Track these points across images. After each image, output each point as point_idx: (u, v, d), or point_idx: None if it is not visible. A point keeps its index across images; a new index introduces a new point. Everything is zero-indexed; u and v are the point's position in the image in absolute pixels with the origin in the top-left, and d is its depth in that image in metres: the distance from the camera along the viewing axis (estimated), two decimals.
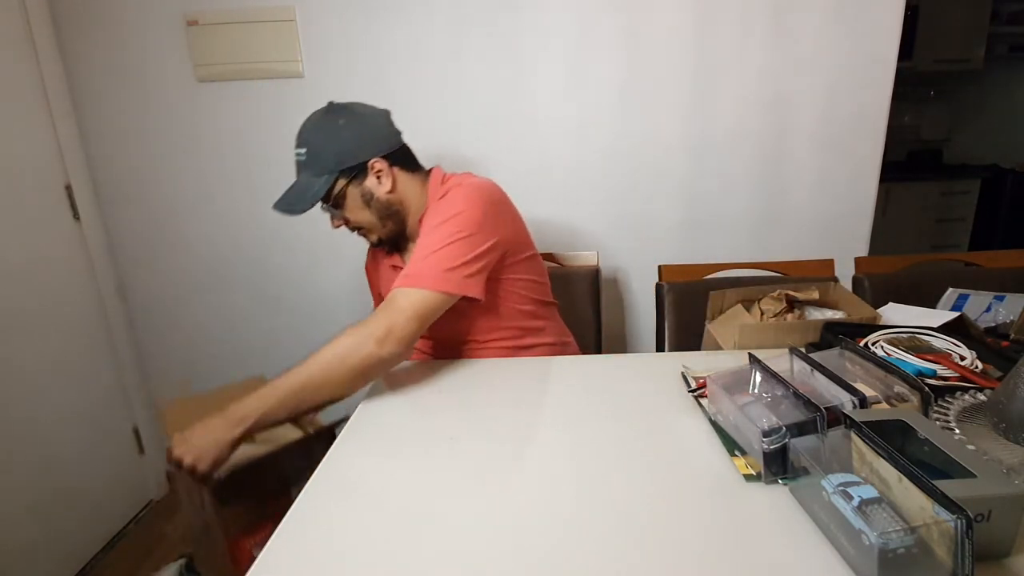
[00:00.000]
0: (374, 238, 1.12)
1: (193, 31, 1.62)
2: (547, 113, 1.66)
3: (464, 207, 0.99)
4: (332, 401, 0.91)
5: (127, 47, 1.65)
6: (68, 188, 1.67)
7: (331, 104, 1.05)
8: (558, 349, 1.19)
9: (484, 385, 0.95)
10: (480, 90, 1.65)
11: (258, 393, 0.87)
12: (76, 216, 1.69)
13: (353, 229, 1.11)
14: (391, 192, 1.05)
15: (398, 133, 1.09)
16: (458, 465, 0.74)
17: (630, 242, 1.75)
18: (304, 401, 0.89)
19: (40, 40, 1.58)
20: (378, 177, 1.04)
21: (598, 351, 1.47)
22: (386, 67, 1.64)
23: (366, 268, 1.28)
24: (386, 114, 1.08)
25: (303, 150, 1.02)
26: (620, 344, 1.88)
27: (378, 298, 1.29)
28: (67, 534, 1.62)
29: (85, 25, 1.63)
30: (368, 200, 1.05)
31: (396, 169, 1.05)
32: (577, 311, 1.44)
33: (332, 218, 1.09)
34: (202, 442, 0.84)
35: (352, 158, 1.02)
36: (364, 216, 1.07)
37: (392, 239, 1.12)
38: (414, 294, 0.93)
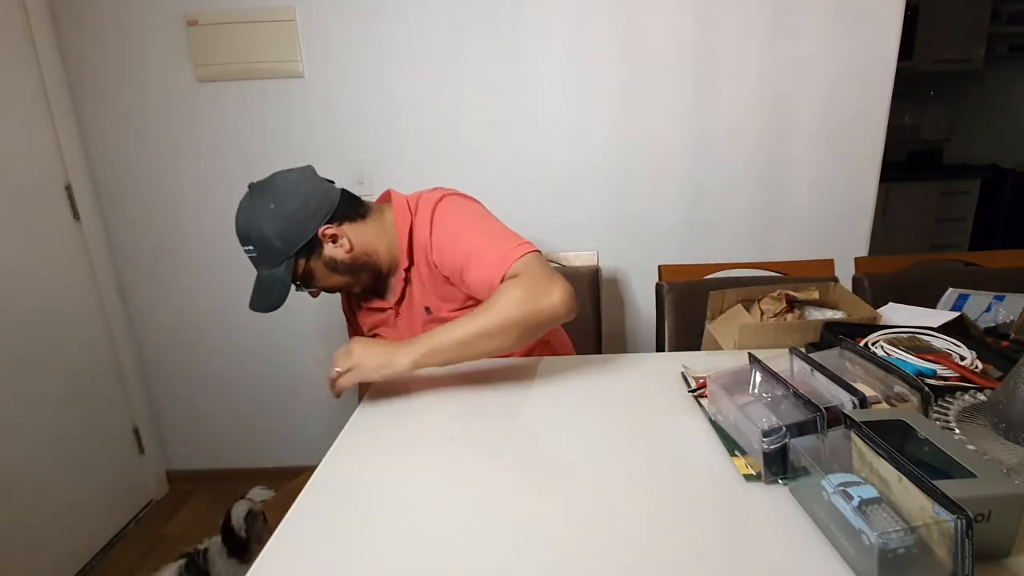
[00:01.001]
0: (356, 290, 1.10)
1: (193, 31, 1.62)
2: (547, 113, 1.66)
3: (465, 209, 0.99)
4: (494, 354, 0.89)
5: (127, 47, 1.65)
6: (68, 188, 1.67)
7: (252, 187, 1.00)
8: (551, 348, 1.19)
9: (482, 385, 0.95)
10: (480, 90, 1.65)
11: (429, 341, 0.86)
12: (76, 216, 1.69)
13: (332, 291, 1.09)
14: (352, 250, 1.01)
15: (331, 185, 1.04)
16: (457, 465, 0.74)
17: (630, 242, 1.75)
18: (469, 353, 0.87)
19: (40, 40, 1.58)
20: (333, 241, 1.00)
21: (598, 351, 1.47)
22: (386, 67, 1.65)
23: (343, 309, 1.24)
24: (310, 172, 1.03)
25: (249, 247, 0.98)
26: (620, 344, 1.88)
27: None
28: (67, 534, 1.62)
29: (85, 25, 1.63)
30: (334, 267, 1.02)
31: (347, 225, 1.01)
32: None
33: (309, 293, 1.06)
34: (367, 357, 0.85)
35: (300, 237, 0.97)
36: (337, 279, 1.04)
37: (372, 286, 1.10)
38: (525, 262, 0.89)
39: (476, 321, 0.86)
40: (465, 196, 1.04)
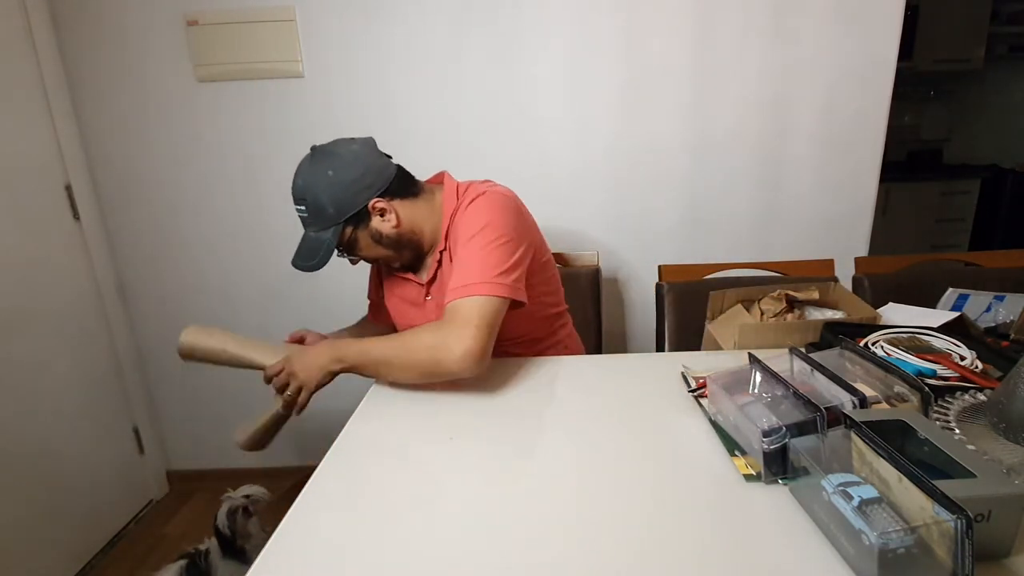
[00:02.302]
0: (396, 265, 1.12)
1: (193, 31, 1.62)
2: (547, 113, 1.66)
3: (493, 215, 0.99)
4: (398, 382, 0.96)
5: (127, 47, 1.65)
6: (68, 188, 1.67)
7: (314, 150, 1.02)
8: (568, 350, 1.20)
9: (482, 384, 0.95)
10: (480, 90, 1.65)
11: (360, 346, 0.96)
12: (76, 216, 1.69)
13: (372, 262, 1.13)
14: (398, 225, 1.04)
15: (388, 161, 1.06)
16: (456, 464, 0.74)
17: (630, 242, 1.75)
18: (381, 373, 0.96)
19: (40, 40, 1.58)
20: (382, 215, 1.02)
21: (598, 351, 1.47)
22: (386, 67, 1.64)
23: (371, 273, 1.27)
24: (371, 144, 1.05)
25: (302, 207, 1.01)
26: (620, 344, 1.88)
27: (373, 304, 1.29)
28: (67, 534, 1.62)
29: (85, 25, 1.63)
30: (379, 239, 1.04)
31: (397, 202, 1.04)
32: (577, 311, 1.44)
33: (349, 260, 1.10)
34: (310, 369, 0.96)
35: (351, 206, 1.00)
36: (379, 252, 1.07)
37: (412, 263, 1.12)
38: (474, 303, 0.91)
39: (387, 349, 0.94)
40: (504, 198, 1.04)
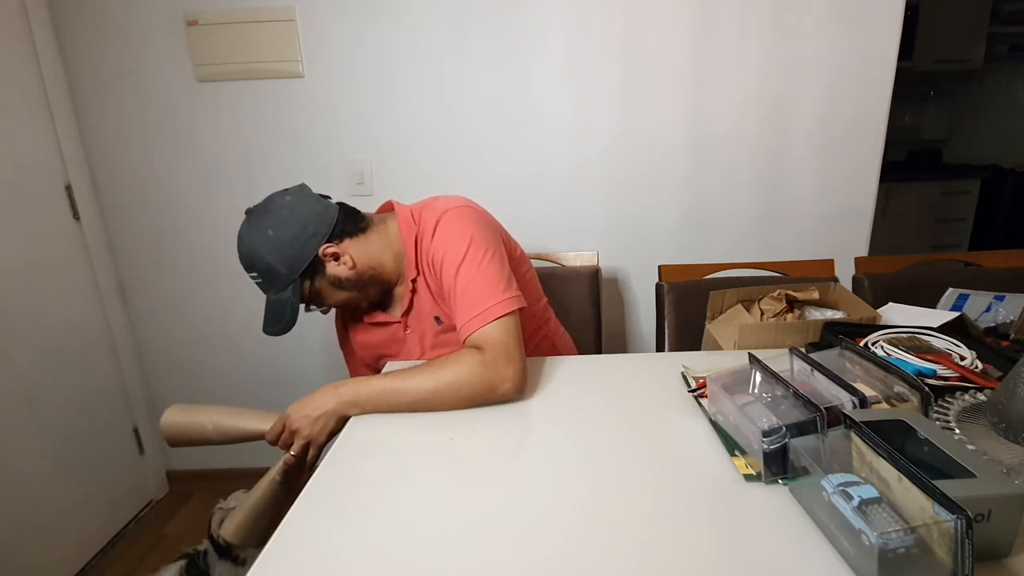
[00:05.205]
0: (365, 304, 1.10)
1: (193, 31, 1.62)
2: (547, 113, 1.66)
3: (468, 232, 0.96)
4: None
5: (127, 47, 1.65)
6: (68, 188, 1.67)
7: (249, 213, 1.00)
8: (556, 350, 1.19)
9: None
10: (480, 90, 1.65)
11: (377, 386, 0.88)
12: (76, 216, 1.69)
13: (342, 306, 1.09)
14: (355, 267, 1.00)
15: (328, 203, 1.02)
16: (456, 464, 0.74)
17: (630, 242, 1.75)
18: (409, 411, 0.88)
19: (40, 40, 1.58)
20: (336, 259, 1.00)
21: (598, 351, 1.47)
22: (386, 67, 1.65)
23: (336, 326, 1.22)
24: (305, 191, 1.01)
25: (255, 274, 0.98)
26: (620, 344, 1.88)
27: (352, 360, 1.22)
28: (67, 534, 1.62)
29: (85, 25, 1.63)
30: (339, 284, 1.01)
31: (347, 242, 1.00)
32: (577, 311, 1.44)
33: (320, 311, 1.07)
34: (317, 418, 0.88)
35: (302, 260, 0.97)
36: (344, 296, 1.04)
37: (380, 299, 1.09)
38: (500, 327, 0.89)
39: (420, 391, 0.86)
40: (468, 210, 1.01)
